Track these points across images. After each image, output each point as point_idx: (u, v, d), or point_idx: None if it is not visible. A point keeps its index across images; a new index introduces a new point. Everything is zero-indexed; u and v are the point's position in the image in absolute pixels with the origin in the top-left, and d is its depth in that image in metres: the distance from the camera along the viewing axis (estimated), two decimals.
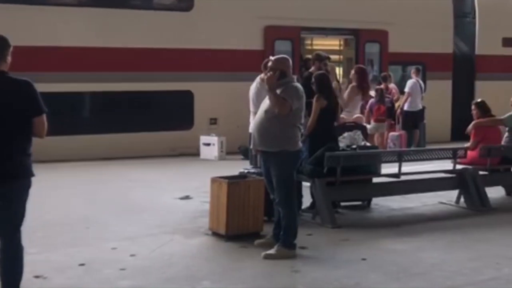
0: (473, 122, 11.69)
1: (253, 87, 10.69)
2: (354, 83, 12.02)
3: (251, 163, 10.55)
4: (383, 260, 7.92)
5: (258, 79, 10.62)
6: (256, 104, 10.14)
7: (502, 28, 21.83)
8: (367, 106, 16.25)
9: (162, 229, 9.18)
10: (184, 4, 17.41)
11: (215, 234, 8.73)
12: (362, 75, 12.15)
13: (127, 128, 16.39)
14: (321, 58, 11.55)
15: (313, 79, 10.05)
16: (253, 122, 8.25)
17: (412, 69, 18.62)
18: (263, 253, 7.87)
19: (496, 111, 12.15)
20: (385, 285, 7.08)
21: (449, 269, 7.63)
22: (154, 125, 16.68)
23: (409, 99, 17.87)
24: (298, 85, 8.16)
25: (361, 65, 14.16)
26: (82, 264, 7.49)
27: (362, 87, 12.05)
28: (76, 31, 15.90)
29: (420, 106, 18.08)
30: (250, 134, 10.45)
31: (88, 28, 16.00)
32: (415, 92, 17.93)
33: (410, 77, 18.49)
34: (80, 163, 15.19)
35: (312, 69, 11.70)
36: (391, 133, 17.08)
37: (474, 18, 21.79)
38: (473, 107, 11.97)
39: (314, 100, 9.83)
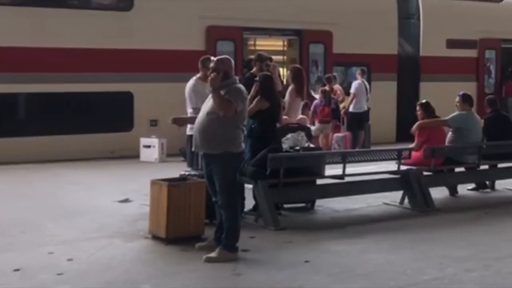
0: (417, 123, 11.87)
1: (190, 84, 10.64)
2: (292, 85, 12.06)
3: (188, 165, 10.54)
4: (326, 261, 7.99)
5: (195, 78, 10.60)
6: (193, 101, 10.14)
7: (446, 29, 22.21)
8: (312, 107, 16.38)
9: (101, 232, 9.11)
10: (124, 4, 17.30)
11: (155, 237, 8.70)
12: (298, 75, 12.19)
13: (66, 130, 16.21)
14: (262, 59, 11.60)
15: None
16: (195, 123, 8.23)
17: (357, 70, 18.80)
18: (204, 256, 7.87)
19: (440, 112, 12.36)
20: (329, 286, 7.16)
21: (392, 269, 7.73)
22: (93, 127, 16.53)
23: (354, 100, 18.06)
24: (241, 86, 8.19)
25: (298, 65, 14.20)
26: (17, 270, 7.39)
27: (300, 87, 12.08)
28: (12, 30, 15.68)
29: (365, 107, 18.28)
30: (188, 136, 10.47)
31: (26, 28, 15.80)
32: (360, 93, 18.14)
33: (354, 78, 18.67)
34: (17, 165, 14.97)
35: (254, 70, 11.73)
36: (336, 134, 17.23)
37: (419, 19, 22.10)
38: (417, 108, 12.16)
39: (255, 100, 9.88)
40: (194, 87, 10.42)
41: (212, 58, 8.51)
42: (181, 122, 8.87)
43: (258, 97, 9.96)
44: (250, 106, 9.53)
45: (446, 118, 12.05)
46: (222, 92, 7.88)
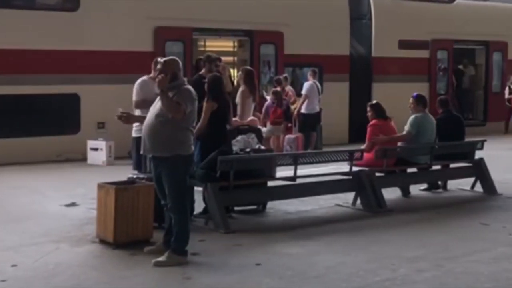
0: (373, 141, 11.83)
1: (139, 80, 10.60)
2: (243, 87, 12.09)
3: (134, 168, 10.50)
4: (277, 264, 8.01)
5: (146, 76, 10.58)
6: (138, 95, 10.10)
7: (398, 30, 22.45)
8: (263, 109, 16.42)
9: (46, 237, 9.03)
10: (70, 4, 17.15)
11: (103, 241, 8.65)
12: (250, 77, 12.22)
13: (10, 133, 16.03)
14: (211, 60, 11.61)
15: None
16: (143, 126, 8.21)
17: (308, 71, 18.90)
18: (153, 260, 7.85)
19: (393, 113, 12.49)
20: None
21: (345, 271, 7.79)
22: (38, 130, 16.35)
23: (306, 102, 18.15)
24: (190, 87, 8.19)
25: (249, 67, 14.24)
26: None
27: (251, 88, 12.12)
28: None
29: (317, 109, 18.39)
30: (134, 138, 10.43)
31: None
32: (312, 94, 18.23)
33: (306, 79, 18.78)
34: None
35: (202, 71, 11.73)
36: (288, 136, 17.31)
37: (370, 20, 22.30)
38: (368, 109, 12.25)
39: (204, 102, 9.89)
40: (142, 82, 10.42)
41: (160, 59, 8.49)
42: (127, 119, 8.78)
43: (206, 98, 9.98)
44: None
45: (406, 130, 12.14)
46: (170, 94, 7.87)
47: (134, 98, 10.41)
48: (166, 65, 8.09)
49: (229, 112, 10.55)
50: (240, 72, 12.65)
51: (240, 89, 12.05)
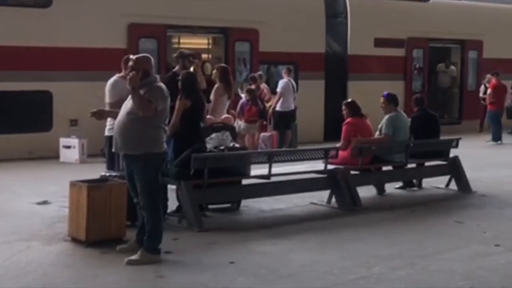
0: (354, 141, 11.87)
1: (111, 80, 10.56)
2: (218, 84, 12.09)
3: (108, 168, 10.46)
4: (251, 262, 8.03)
5: (117, 75, 10.53)
6: (111, 96, 10.06)
7: (374, 28, 22.52)
8: (238, 107, 16.43)
9: (17, 236, 8.98)
10: (42, 1, 17.05)
11: (75, 240, 8.62)
12: (225, 74, 12.21)
13: None
14: (184, 55, 11.58)
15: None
16: (115, 124, 8.19)
17: (283, 69, 18.93)
18: (126, 259, 7.83)
19: (368, 111, 12.53)
20: (254, 287, 7.19)
21: (319, 269, 7.82)
22: (9, 127, 16.25)
23: (281, 99, 18.17)
24: (162, 85, 8.19)
25: (224, 64, 14.25)
26: None
27: (226, 86, 12.12)
28: None
29: (292, 106, 18.41)
30: (106, 137, 10.39)
31: None
32: (287, 92, 18.25)
33: (281, 77, 18.81)
34: None
35: (176, 68, 11.71)
36: (262, 134, 17.34)
37: (346, 18, 22.36)
38: (343, 107, 12.28)
39: (177, 99, 9.89)
40: (114, 83, 10.36)
41: (132, 56, 8.46)
42: (100, 115, 8.76)
43: (179, 96, 9.97)
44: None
45: (383, 133, 12.17)
46: (142, 92, 7.85)
47: (108, 100, 10.29)
48: (138, 62, 8.07)
49: (204, 110, 10.55)
50: (215, 70, 12.60)
51: (215, 86, 12.04)
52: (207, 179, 9.77)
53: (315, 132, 20.39)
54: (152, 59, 8.27)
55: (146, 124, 7.86)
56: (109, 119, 10.13)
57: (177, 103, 9.97)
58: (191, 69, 11.87)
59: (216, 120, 11.97)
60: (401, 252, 8.65)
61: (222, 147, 10.49)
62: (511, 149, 19.55)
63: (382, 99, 12.47)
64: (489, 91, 21.55)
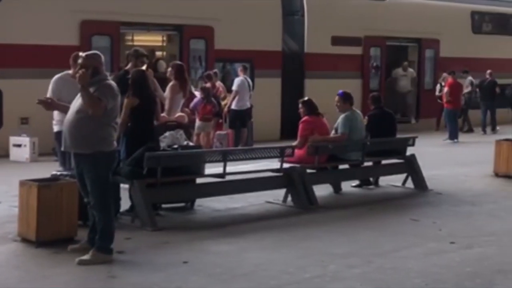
0: (318, 139, 11.93)
1: (55, 78, 10.48)
2: (173, 82, 12.05)
3: (61, 165, 10.39)
4: (205, 262, 8.04)
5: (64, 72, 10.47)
6: (55, 94, 9.98)
7: (331, 26, 22.64)
8: (191, 104, 16.38)
9: None
10: None
11: (25, 240, 8.55)
12: (180, 72, 12.17)
13: None
14: (138, 55, 11.53)
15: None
16: (64, 122, 8.14)
17: (239, 67, 18.94)
18: (77, 259, 7.80)
19: (325, 109, 12.60)
20: (208, 287, 7.21)
21: (274, 268, 7.86)
22: None
23: (236, 98, 18.18)
24: (112, 82, 8.18)
25: (178, 62, 14.20)
26: None
27: (181, 84, 12.07)
28: None
29: (248, 105, 18.43)
30: (55, 133, 10.32)
31: None
32: (243, 90, 18.27)
33: (237, 75, 18.82)
34: None
35: (129, 66, 11.65)
36: (218, 132, 17.33)
37: (303, 16, 22.45)
38: (300, 105, 12.33)
39: (125, 97, 9.87)
40: (57, 80, 10.29)
41: (81, 54, 8.41)
42: (49, 104, 8.68)
43: (127, 94, 9.95)
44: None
45: (339, 131, 12.25)
46: (91, 89, 7.82)
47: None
48: (87, 60, 8.03)
49: (156, 108, 10.51)
50: (170, 68, 12.54)
51: (170, 84, 11.99)
52: (161, 178, 9.76)
53: (272, 130, 20.43)
54: (102, 56, 8.24)
55: (95, 122, 7.84)
56: (55, 113, 10.06)
57: (125, 101, 9.94)
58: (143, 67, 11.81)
59: (170, 119, 11.92)
60: (357, 250, 8.73)
61: (176, 146, 10.47)
62: (467, 147, 19.81)
63: (337, 98, 12.53)
64: (445, 89, 21.79)
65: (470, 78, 23.42)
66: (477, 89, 24.63)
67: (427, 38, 25.52)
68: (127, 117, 9.99)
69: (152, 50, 17.98)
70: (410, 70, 25.26)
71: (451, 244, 9.04)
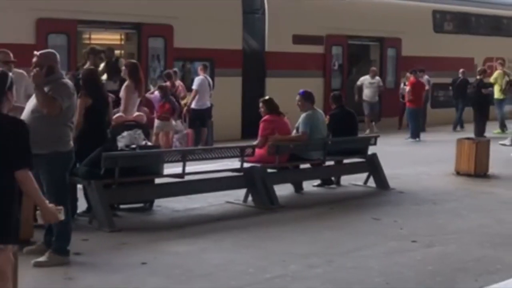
0: (279, 138, 11.95)
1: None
2: (128, 81, 11.97)
3: None
4: (164, 263, 8.03)
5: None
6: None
7: (292, 25, 22.67)
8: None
9: None
10: None
11: None
12: (134, 71, 12.08)
13: None
14: (95, 52, 11.47)
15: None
16: None
17: (199, 66, 18.92)
18: (33, 261, 7.75)
19: (287, 108, 12.64)
20: None
21: (234, 269, 7.88)
22: None
23: (196, 97, 18.14)
24: (68, 81, 8.15)
25: (133, 60, 14.13)
26: None
27: (136, 84, 11.97)
28: None
29: (208, 104, 18.41)
30: None
31: None
32: (203, 89, 18.24)
33: (197, 74, 18.80)
34: None
35: (87, 64, 11.58)
36: (178, 130, 17.26)
37: (264, 14, 22.45)
38: (260, 104, 12.35)
39: (78, 98, 9.80)
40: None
41: (36, 52, 8.34)
42: None
43: (79, 94, 9.89)
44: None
45: (300, 131, 12.31)
46: (46, 89, 7.76)
47: None
48: (42, 58, 7.98)
49: (108, 107, 10.46)
50: (124, 67, 12.43)
51: (125, 84, 11.90)
52: (118, 178, 9.72)
53: (232, 130, 20.40)
54: (57, 55, 8.18)
55: (51, 122, 7.79)
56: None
57: (78, 101, 9.87)
58: (101, 66, 11.77)
59: (128, 118, 11.86)
60: (318, 249, 8.77)
61: (134, 146, 10.42)
62: (429, 146, 19.96)
63: (298, 97, 12.58)
64: (407, 88, 21.96)
65: (426, 77, 23.56)
66: (450, 87, 24.91)
67: (389, 37, 25.65)
68: (83, 117, 9.91)
69: (111, 48, 17.85)
70: (377, 78, 24.06)
71: (412, 243, 9.12)
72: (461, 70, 24.59)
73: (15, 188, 5.40)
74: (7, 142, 5.37)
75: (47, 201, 5.67)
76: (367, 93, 23.51)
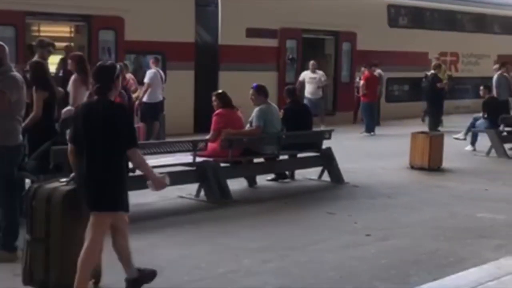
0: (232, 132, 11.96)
1: None
2: (75, 75, 11.86)
3: None
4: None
5: None
6: None
7: (246, 18, 22.68)
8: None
9: None
10: None
11: None
12: (81, 64, 11.98)
13: None
14: (43, 45, 11.33)
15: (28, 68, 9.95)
16: None
17: (151, 59, 18.84)
18: None
19: (240, 102, 12.64)
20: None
21: (187, 264, 7.92)
22: None
23: (148, 90, 18.07)
24: (17, 74, 8.07)
25: (78, 53, 14.01)
26: None
27: (83, 77, 11.87)
28: None
29: (160, 98, 18.35)
30: None
31: None
32: (155, 83, 18.17)
33: (149, 67, 18.72)
34: None
35: (35, 57, 11.44)
36: None
37: (217, 7, 22.42)
38: (213, 98, 12.34)
39: (33, 91, 9.70)
40: None
41: None
42: None
43: (35, 88, 9.79)
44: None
45: (254, 124, 12.36)
46: None
47: None
48: None
49: (55, 100, 10.38)
50: (70, 60, 12.28)
51: (72, 77, 11.77)
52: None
53: (185, 123, 20.33)
54: (6, 47, 8.11)
55: None
56: None
57: (34, 95, 9.76)
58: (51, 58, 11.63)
59: None
60: (272, 244, 8.81)
61: None
62: (383, 140, 20.14)
63: (251, 91, 12.60)
64: (362, 82, 22.12)
65: (379, 71, 23.73)
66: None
67: (344, 31, 25.78)
68: (41, 110, 9.79)
69: (69, 43, 17.75)
70: (320, 72, 22.72)
71: (366, 237, 9.21)
72: (432, 65, 25.00)
73: (124, 165, 6.60)
74: (119, 126, 6.47)
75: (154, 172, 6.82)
76: (308, 89, 22.15)
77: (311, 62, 22.76)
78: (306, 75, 22.66)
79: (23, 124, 8.47)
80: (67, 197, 6.76)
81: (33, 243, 6.81)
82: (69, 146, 6.91)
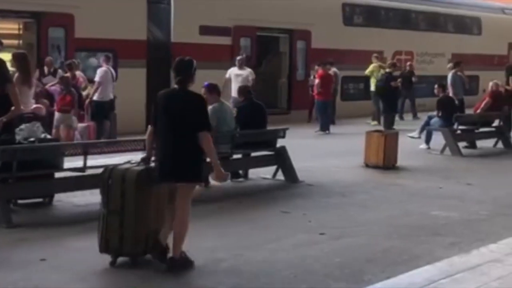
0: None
1: None
2: (17, 74, 11.72)
3: None
4: (66, 259, 7.98)
5: None
6: None
7: (199, 15, 22.66)
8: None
9: None
10: None
11: None
12: (23, 62, 11.85)
13: None
14: None
15: None
16: None
17: (101, 57, 18.74)
18: None
19: None
20: (69, 285, 7.16)
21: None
22: None
23: (99, 89, 17.96)
24: None
25: (20, 51, 13.87)
26: None
27: (25, 76, 11.72)
28: None
29: (111, 96, 18.25)
30: None
31: None
32: (106, 81, 18.07)
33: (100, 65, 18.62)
34: None
35: None
36: (79, 125, 17.06)
37: (169, 4, 22.36)
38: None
39: (10, 86, 9.65)
40: None
41: None
42: None
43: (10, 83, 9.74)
44: None
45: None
46: None
47: None
48: None
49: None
50: (11, 58, 12.12)
51: (15, 76, 11.62)
52: (16, 172, 9.57)
53: (136, 122, 20.20)
54: None
55: None
56: None
57: (11, 90, 9.72)
58: None
59: (26, 110, 11.67)
60: (226, 244, 8.82)
61: (32, 139, 10.28)
62: (338, 139, 20.27)
63: (203, 90, 12.58)
64: (316, 81, 22.24)
65: (334, 69, 23.85)
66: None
67: (299, 29, 25.88)
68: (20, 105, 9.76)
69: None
70: (248, 69, 20.74)
71: (320, 235, 9.27)
72: (408, 63, 25.52)
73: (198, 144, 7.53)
74: (195, 111, 7.60)
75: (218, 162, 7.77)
76: (234, 88, 18.40)
77: (238, 58, 20.97)
78: (232, 71, 20.51)
79: None
80: (140, 176, 7.72)
81: (109, 216, 7.84)
82: (149, 128, 7.99)
